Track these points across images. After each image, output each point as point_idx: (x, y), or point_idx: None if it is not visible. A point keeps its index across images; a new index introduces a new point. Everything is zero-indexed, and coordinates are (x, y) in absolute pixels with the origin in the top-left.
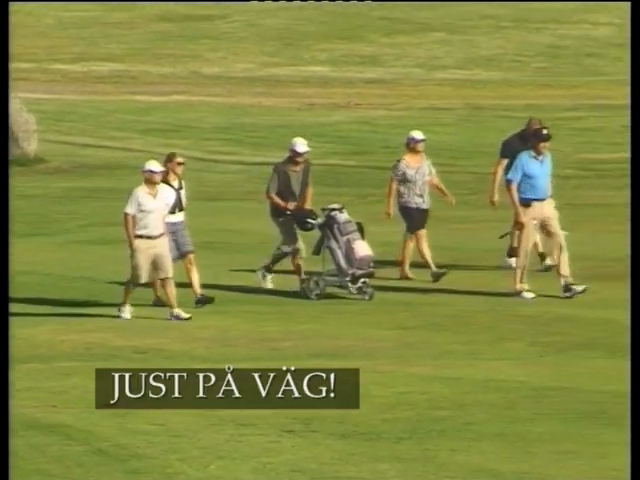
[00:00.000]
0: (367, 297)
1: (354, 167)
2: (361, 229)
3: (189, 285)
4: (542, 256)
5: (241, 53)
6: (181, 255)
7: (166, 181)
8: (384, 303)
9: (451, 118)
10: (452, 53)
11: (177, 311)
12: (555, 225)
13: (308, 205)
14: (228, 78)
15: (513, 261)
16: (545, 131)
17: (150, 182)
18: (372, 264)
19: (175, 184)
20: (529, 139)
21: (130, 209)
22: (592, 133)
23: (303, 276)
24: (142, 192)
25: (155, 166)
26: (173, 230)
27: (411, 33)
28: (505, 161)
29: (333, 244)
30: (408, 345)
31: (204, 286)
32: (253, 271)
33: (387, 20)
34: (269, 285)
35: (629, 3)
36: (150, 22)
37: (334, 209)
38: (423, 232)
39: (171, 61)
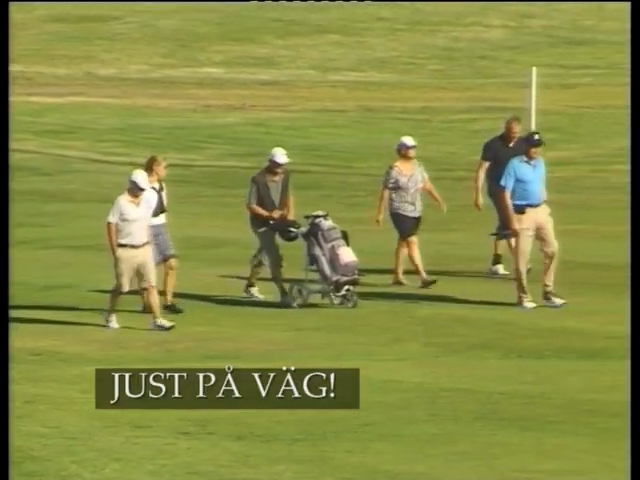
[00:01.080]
0: (350, 305)
1: (249, 168)
2: (345, 236)
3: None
4: (497, 258)
5: (135, 54)
6: (164, 258)
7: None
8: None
9: (345, 120)
10: (346, 55)
11: (160, 321)
12: (549, 233)
13: (291, 214)
14: (123, 79)
15: (500, 268)
16: (537, 136)
17: (133, 193)
18: (357, 271)
19: (156, 186)
20: (520, 145)
21: (113, 218)
22: (486, 135)
23: (282, 285)
24: (125, 201)
25: (141, 179)
26: (156, 233)
27: (305, 35)
28: (486, 164)
29: (317, 251)
30: (305, 346)
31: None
32: None
33: (281, 22)
34: (260, 296)
35: (629, 3)
36: (44, 23)
37: (318, 216)
38: (414, 239)
39: (66, 62)
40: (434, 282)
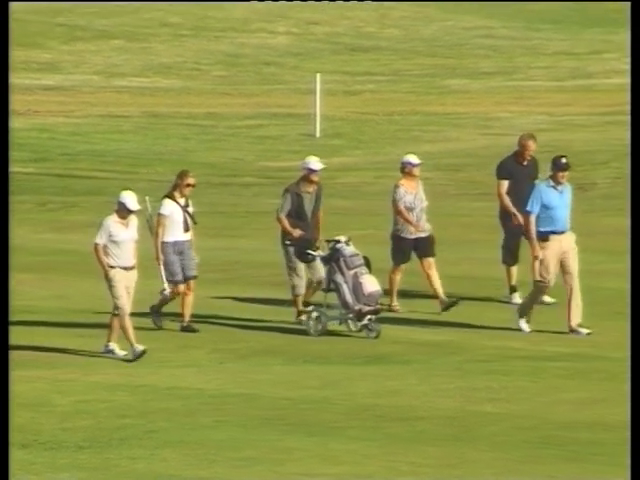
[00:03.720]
0: (373, 334)
1: (33, 174)
2: (368, 263)
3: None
4: (513, 289)
5: None
6: (185, 278)
7: (172, 197)
8: None
9: (130, 125)
10: (131, 61)
11: (138, 347)
12: (572, 264)
13: (319, 229)
14: None
15: (516, 297)
16: (564, 160)
17: (121, 215)
18: (380, 300)
19: (181, 202)
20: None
21: (100, 239)
22: (272, 141)
23: (302, 308)
24: (113, 221)
25: (129, 200)
26: (180, 250)
27: (90, 40)
28: (506, 182)
29: (339, 278)
30: (90, 353)
31: None
32: None
33: (66, 27)
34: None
35: (629, 3)
36: None
37: (339, 241)
38: (431, 260)
39: None
40: (456, 303)
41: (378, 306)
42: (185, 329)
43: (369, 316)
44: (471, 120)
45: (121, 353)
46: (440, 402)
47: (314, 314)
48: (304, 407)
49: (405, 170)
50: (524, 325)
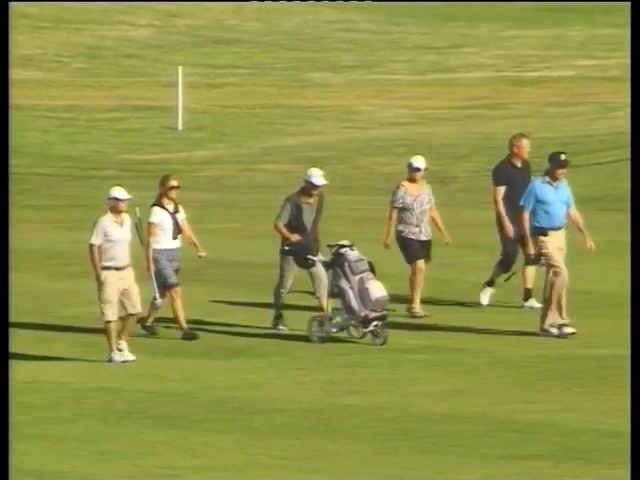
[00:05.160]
0: (380, 341)
1: None
2: (372, 268)
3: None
4: (528, 293)
5: None
6: (170, 285)
7: (160, 205)
8: None
9: None
10: None
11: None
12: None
13: (318, 240)
14: None
15: (533, 302)
16: (563, 156)
17: (116, 210)
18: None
19: (170, 208)
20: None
21: (96, 240)
22: (134, 134)
23: (280, 309)
24: (108, 221)
25: (120, 193)
26: (171, 258)
27: None
28: (502, 189)
29: (343, 283)
30: None
31: None
32: None
33: None
34: (285, 329)
35: (629, 3)
36: None
37: (343, 246)
38: (421, 265)
39: None
40: (423, 317)
41: (384, 312)
42: (186, 336)
43: (375, 322)
44: (333, 113)
45: (132, 357)
46: (299, 395)
47: (316, 320)
48: (165, 400)
49: (408, 172)
50: (554, 330)
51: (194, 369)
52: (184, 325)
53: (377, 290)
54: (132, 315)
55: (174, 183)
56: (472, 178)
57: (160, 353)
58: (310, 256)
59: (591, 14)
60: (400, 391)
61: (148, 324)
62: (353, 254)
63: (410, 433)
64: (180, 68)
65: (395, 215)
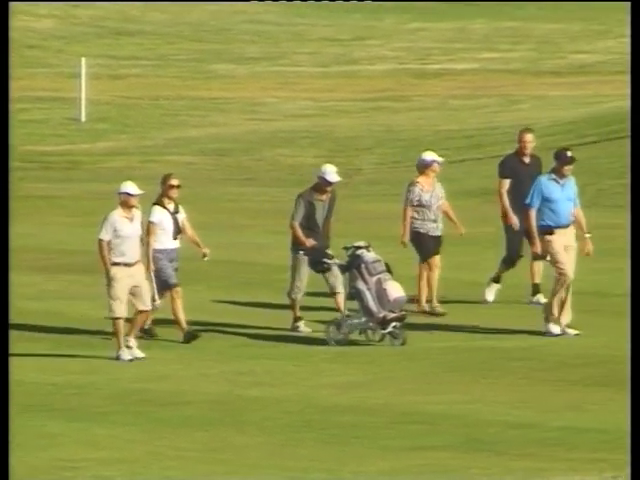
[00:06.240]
0: (399, 342)
1: None
2: (389, 269)
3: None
4: (536, 288)
5: None
6: (169, 286)
7: (161, 204)
8: None
9: None
10: None
11: (123, 353)
12: (571, 260)
13: (329, 237)
14: None
15: (540, 297)
16: (569, 153)
17: (126, 205)
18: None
19: (171, 207)
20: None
21: (105, 235)
22: (37, 125)
23: (299, 314)
24: (118, 216)
25: (132, 188)
26: (171, 258)
27: None
28: (507, 181)
29: (361, 285)
30: None
31: None
32: None
33: None
34: (306, 330)
35: (629, 3)
36: None
37: (360, 247)
38: (437, 261)
39: None
40: (442, 315)
41: (403, 312)
42: (187, 336)
43: (394, 323)
44: (237, 105)
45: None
46: (206, 387)
47: (334, 322)
48: (69, 392)
49: (420, 168)
50: (554, 328)
51: (99, 361)
52: (184, 326)
53: (395, 290)
54: (142, 312)
55: (174, 182)
56: (376, 170)
57: (63, 345)
58: (326, 259)
59: (494, 7)
60: (305, 383)
61: (146, 326)
62: (370, 255)
63: (314, 425)
64: (83, 59)
65: (410, 213)
